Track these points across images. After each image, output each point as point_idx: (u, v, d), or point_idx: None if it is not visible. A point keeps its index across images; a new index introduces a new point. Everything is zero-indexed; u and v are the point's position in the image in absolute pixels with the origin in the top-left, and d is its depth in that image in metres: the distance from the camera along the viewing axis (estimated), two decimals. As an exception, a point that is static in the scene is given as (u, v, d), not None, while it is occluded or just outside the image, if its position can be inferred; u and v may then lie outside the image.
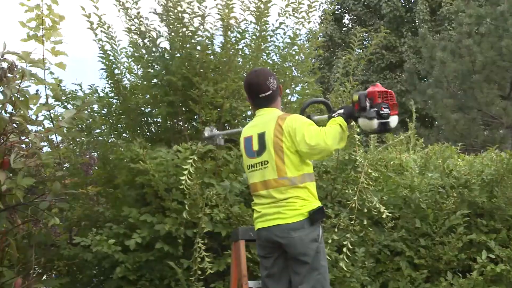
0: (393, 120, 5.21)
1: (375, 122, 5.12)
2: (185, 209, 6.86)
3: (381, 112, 5.12)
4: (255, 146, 5.42)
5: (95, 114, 8.51)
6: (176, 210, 7.08)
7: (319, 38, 9.08)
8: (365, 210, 7.23)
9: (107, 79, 8.75)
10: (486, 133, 23.54)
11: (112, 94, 8.81)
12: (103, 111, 8.73)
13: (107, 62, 8.69)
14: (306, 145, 5.12)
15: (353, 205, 6.97)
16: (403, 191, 7.97)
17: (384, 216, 6.95)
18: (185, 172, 6.81)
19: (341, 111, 5.37)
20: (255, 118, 5.59)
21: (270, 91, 5.44)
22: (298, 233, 5.16)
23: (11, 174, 6.48)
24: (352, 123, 5.65)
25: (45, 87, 7.36)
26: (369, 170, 7.27)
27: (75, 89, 8.80)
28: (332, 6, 33.50)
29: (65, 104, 8.48)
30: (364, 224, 7.37)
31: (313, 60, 9.28)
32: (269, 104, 5.48)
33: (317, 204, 5.27)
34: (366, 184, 7.13)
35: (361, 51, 9.50)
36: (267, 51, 8.77)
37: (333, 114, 5.40)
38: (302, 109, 5.93)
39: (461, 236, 7.68)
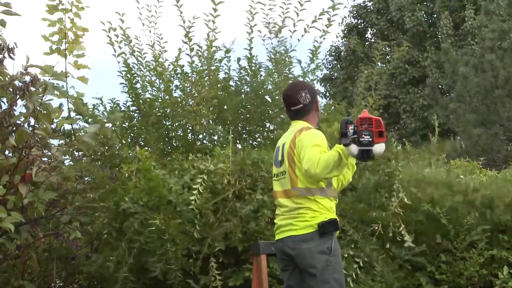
0: (378, 148, 5.01)
1: (353, 149, 4.96)
2: (196, 229, 6.90)
3: (360, 139, 5.00)
4: (279, 156, 5.49)
5: (116, 128, 8.54)
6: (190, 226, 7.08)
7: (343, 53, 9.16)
8: (390, 234, 7.25)
9: (128, 93, 8.81)
10: (508, 148, 23.42)
11: (134, 108, 8.87)
12: (124, 125, 8.77)
13: (128, 76, 8.74)
14: (302, 167, 5.14)
15: (376, 228, 7.06)
16: (424, 206, 7.91)
17: (406, 245, 7.02)
18: (195, 192, 6.85)
19: None
20: (288, 129, 5.63)
21: (301, 105, 5.46)
22: (307, 245, 5.15)
23: (33, 188, 6.52)
24: None
25: (68, 101, 7.40)
26: (403, 197, 7.31)
27: (96, 103, 8.86)
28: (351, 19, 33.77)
29: (87, 118, 8.52)
30: (387, 247, 7.38)
31: (335, 75, 9.34)
32: (301, 117, 5.51)
33: (329, 216, 5.24)
34: (398, 211, 7.18)
35: (383, 65, 9.51)
36: (289, 67, 8.84)
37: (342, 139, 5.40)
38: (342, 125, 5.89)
39: (483, 251, 7.65)
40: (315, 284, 5.16)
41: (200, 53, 8.89)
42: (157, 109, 8.76)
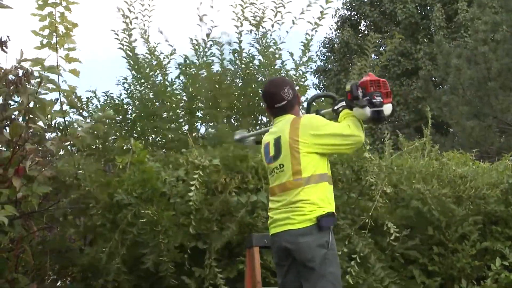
0: (387, 108, 5.24)
1: (367, 110, 5.15)
2: (191, 224, 6.91)
3: (373, 100, 5.15)
4: (272, 152, 5.43)
5: (109, 121, 8.53)
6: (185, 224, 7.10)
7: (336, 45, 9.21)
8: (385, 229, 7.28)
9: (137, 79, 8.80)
10: (501, 140, 23.44)
11: (127, 101, 8.86)
12: (118, 118, 8.76)
13: (134, 65, 8.74)
14: (339, 137, 5.21)
15: (367, 221, 7.08)
16: (415, 203, 7.87)
17: (393, 238, 7.06)
18: (192, 188, 6.85)
19: (343, 103, 5.43)
20: (273, 126, 5.60)
21: (286, 101, 5.43)
22: (305, 239, 5.12)
23: (26, 181, 6.51)
24: None
25: (60, 94, 7.39)
26: (385, 188, 7.30)
27: (90, 96, 8.86)
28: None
29: (80, 111, 8.51)
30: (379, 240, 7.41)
31: (329, 67, 9.41)
32: (286, 113, 5.48)
33: (327, 209, 5.22)
34: (382, 203, 7.19)
35: (376, 57, 9.53)
36: (281, 59, 8.84)
37: (337, 107, 5.46)
38: (308, 103, 5.97)
39: (475, 243, 7.67)
40: (311, 278, 5.14)
41: (196, 47, 8.90)
42: (152, 102, 8.75)
